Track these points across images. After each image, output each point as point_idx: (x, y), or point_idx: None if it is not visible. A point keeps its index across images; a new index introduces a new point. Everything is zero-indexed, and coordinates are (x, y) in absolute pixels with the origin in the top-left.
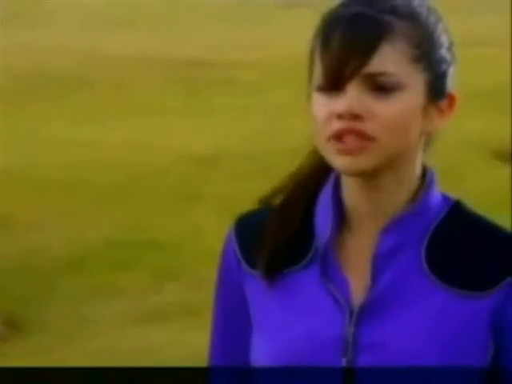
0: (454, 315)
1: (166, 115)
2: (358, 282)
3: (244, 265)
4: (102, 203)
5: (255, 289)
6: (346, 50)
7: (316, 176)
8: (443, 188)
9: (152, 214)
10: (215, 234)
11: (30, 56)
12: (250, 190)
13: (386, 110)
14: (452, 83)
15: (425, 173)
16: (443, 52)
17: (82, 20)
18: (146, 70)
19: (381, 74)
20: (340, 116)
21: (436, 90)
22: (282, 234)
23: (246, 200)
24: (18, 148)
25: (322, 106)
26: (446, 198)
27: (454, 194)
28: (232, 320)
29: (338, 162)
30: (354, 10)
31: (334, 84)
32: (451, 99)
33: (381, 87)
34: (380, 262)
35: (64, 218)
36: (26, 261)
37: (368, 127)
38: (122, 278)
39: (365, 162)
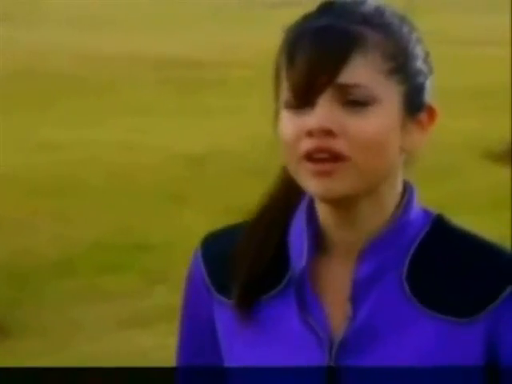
0: (442, 344)
1: (157, 115)
2: (337, 311)
3: (213, 292)
4: (91, 204)
5: (226, 318)
6: (313, 62)
7: (290, 197)
8: (441, 188)
9: (141, 216)
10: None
11: (22, 55)
12: (241, 191)
13: (359, 125)
14: (430, 95)
15: (405, 188)
16: (419, 64)
17: (74, 19)
18: (139, 70)
19: (352, 86)
20: (310, 133)
21: (413, 103)
22: (255, 264)
23: (237, 201)
24: (7, 148)
25: (291, 123)
26: (426, 214)
27: (448, 195)
28: (200, 354)
29: (311, 185)
30: (322, 23)
31: (302, 99)
32: (431, 112)
33: (353, 101)
34: (359, 290)
35: (51, 220)
36: (13, 263)
37: (340, 145)
38: (109, 280)
39: (341, 184)
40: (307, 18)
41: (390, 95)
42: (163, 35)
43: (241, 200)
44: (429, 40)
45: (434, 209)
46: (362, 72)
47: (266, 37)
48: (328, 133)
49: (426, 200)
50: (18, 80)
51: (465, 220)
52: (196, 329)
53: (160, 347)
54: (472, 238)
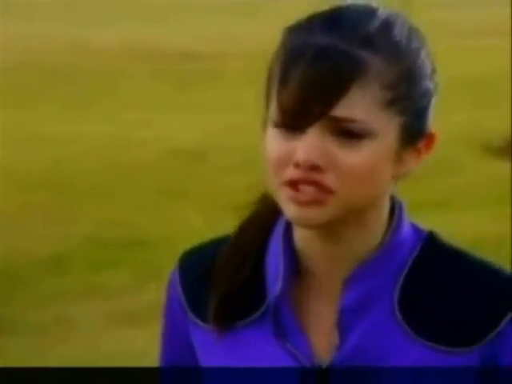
0: (436, 374)
1: (154, 109)
2: (321, 340)
3: (189, 314)
4: (84, 199)
5: (203, 342)
6: (307, 90)
7: (271, 215)
8: (440, 183)
9: (136, 211)
10: (202, 231)
11: (16, 49)
12: (240, 187)
13: (350, 160)
14: (432, 119)
15: (393, 205)
16: (424, 84)
17: (70, 10)
18: (135, 63)
19: (348, 120)
20: (297, 164)
21: (413, 132)
22: (231, 286)
23: (236, 197)
24: (0, 141)
25: (278, 145)
26: (417, 232)
27: (426, 226)
28: (180, 376)
29: (290, 211)
30: (323, 42)
31: (291, 126)
32: (430, 138)
33: (346, 133)
34: (347, 318)
35: (44, 215)
36: (4, 259)
37: (327, 179)
38: (103, 277)
39: (320, 214)
40: (309, 28)
41: (386, 127)
42: (159, 27)
43: (239, 196)
44: (428, 32)
45: (426, 226)
46: (358, 105)
47: (265, 28)
48: (315, 167)
49: (425, 196)
50: (13, 73)
51: (464, 215)
52: (174, 346)
53: (155, 346)
54: (466, 258)
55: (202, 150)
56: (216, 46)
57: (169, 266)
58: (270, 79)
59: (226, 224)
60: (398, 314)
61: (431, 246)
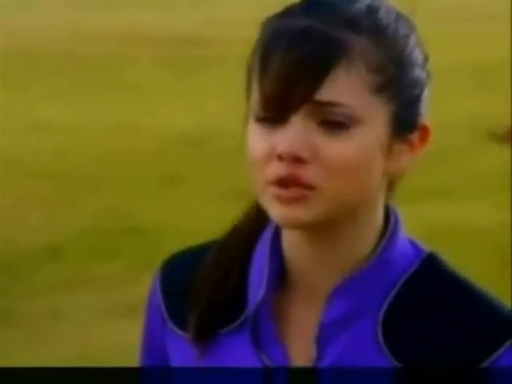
0: None
1: (154, 95)
2: (299, 352)
3: (168, 323)
4: (82, 187)
5: (180, 351)
6: (288, 75)
7: (260, 222)
8: (441, 171)
9: (135, 199)
10: (201, 220)
11: (15, 33)
12: (241, 174)
13: (335, 150)
14: (425, 110)
15: (388, 215)
16: (415, 73)
17: None
18: (135, 47)
19: (333, 104)
20: (280, 157)
21: (404, 123)
22: (214, 297)
23: (236, 184)
24: None
25: (261, 140)
26: (416, 250)
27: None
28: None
29: (273, 210)
30: (302, 24)
31: (273, 116)
32: (424, 131)
33: (332, 122)
34: (327, 333)
35: (39, 204)
36: (0, 250)
37: (311, 173)
38: (100, 267)
39: (305, 213)
40: (287, 14)
41: (375, 115)
42: (161, 12)
43: (240, 183)
44: (430, 18)
45: (427, 244)
46: (344, 88)
47: (267, 13)
48: (298, 159)
49: (428, 184)
50: (14, 60)
51: (467, 204)
52: (152, 353)
53: None
54: (465, 287)
55: (202, 137)
56: (218, 32)
57: (167, 255)
58: (249, 74)
59: (226, 211)
60: (380, 335)
61: (430, 267)
